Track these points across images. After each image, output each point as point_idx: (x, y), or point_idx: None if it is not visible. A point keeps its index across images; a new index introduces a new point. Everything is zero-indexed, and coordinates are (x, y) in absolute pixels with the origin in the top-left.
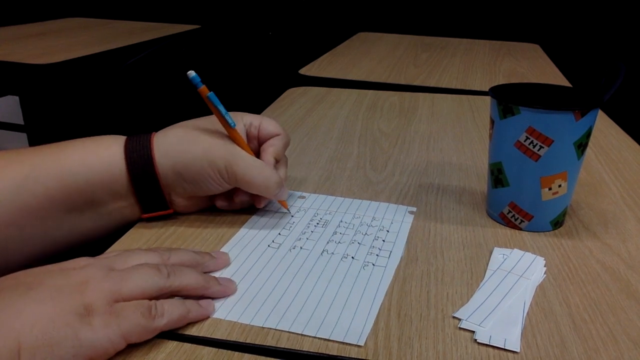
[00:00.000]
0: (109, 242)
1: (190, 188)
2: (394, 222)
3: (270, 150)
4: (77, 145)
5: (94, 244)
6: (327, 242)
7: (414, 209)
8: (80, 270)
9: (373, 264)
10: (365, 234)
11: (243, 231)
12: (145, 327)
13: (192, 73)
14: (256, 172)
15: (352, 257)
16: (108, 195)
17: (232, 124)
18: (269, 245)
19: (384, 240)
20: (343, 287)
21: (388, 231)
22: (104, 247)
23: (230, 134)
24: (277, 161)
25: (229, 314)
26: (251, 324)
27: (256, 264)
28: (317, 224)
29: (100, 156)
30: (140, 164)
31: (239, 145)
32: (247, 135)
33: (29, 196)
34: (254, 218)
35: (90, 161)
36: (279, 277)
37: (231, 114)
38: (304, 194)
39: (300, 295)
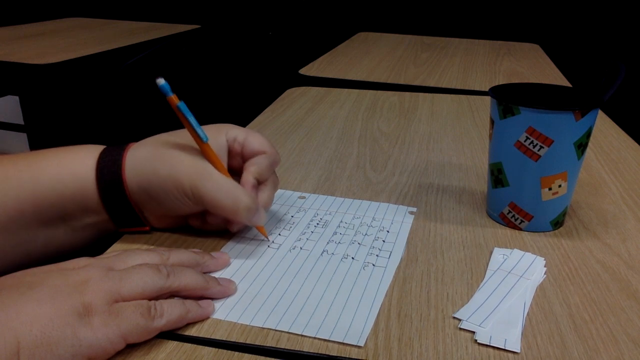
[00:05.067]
0: (109, 243)
1: (159, 207)
2: (394, 222)
3: (251, 169)
4: (51, 157)
5: (95, 245)
6: (327, 243)
7: (414, 209)
8: (80, 270)
9: (373, 265)
10: (366, 234)
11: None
12: (145, 328)
13: (161, 81)
14: (223, 193)
15: (352, 258)
16: (80, 210)
17: (204, 138)
18: (269, 246)
19: (384, 241)
20: (343, 288)
21: (388, 231)
22: (104, 248)
23: (202, 149)
24: (259, 182)
25: (229, 314)
26: (251, 324)
27: (256, 264)
28: (317, 224)
29: (73, 170)
30: (109, 180)
31: (211, 161)
32: (230, 151)
33: None
34: None
35: (62, 175)
36: (279, 277)
37: (217, 126)
38: (304, 194)
39: (300, 295)
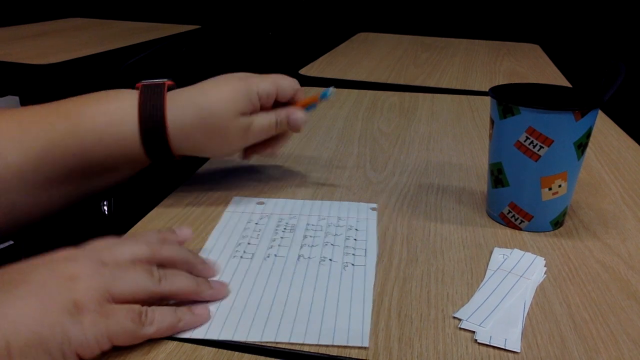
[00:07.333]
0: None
1: (202, 140)
2: (360, 220)
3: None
4: (92, 104)
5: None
6: (301, 247)
7: (375, 205)
8: (69, 263)
9: (352, 264)
10: (335, 234)
11: (210, 244)
12: (132, 333)
13: (332, 90)
14: (275, 76)
15: (330, 260)
16: (122, 158)
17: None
18: (241, 257)
19: (355, 239)
20: (330, 291)
21: (357, 230)
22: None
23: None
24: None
25: (221, 333)
26: (247, 340)
27: (234, 277)
28: (285, 229)
29: (114, 112)
30: (151, 116)
31: None
32: (261, 104)
33: (49, 168)
34: (218, 227)
35: (105, 125)
36: (262, 288)
37: (241, 78)
38: (262, 199)
39: (289, 304)
